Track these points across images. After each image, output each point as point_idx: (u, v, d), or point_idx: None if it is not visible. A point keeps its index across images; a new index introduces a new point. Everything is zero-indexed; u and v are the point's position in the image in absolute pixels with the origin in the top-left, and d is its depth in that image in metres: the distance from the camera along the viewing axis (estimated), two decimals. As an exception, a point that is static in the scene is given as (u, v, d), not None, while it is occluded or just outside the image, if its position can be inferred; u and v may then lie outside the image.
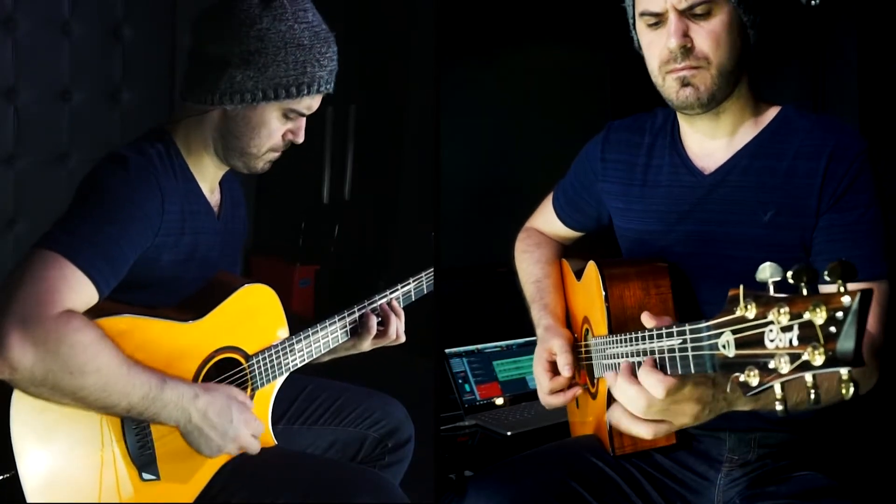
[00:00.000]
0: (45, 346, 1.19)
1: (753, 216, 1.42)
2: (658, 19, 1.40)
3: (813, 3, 2.56)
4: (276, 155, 1.55)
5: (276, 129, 1.51)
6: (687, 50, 1.38)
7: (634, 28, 1.48)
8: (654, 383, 1.16)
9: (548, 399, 1.60)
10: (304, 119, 1.53)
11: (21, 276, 1.24)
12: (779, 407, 0.93)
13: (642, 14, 1.42)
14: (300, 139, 1.54)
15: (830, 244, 1.38)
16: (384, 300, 1.71)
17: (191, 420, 1.34)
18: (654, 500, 1.48)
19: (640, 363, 1.22)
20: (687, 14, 1.37)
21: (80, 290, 1.27)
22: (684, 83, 1.40)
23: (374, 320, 1.68)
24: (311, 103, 1.52)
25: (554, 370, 1.58)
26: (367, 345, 1.70)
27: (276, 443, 1.57)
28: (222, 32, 1.45)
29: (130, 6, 2.94)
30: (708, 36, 1.38)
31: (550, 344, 1.59)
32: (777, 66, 2.84)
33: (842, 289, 0.85)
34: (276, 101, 1.47)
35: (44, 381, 1.20)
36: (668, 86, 1.42)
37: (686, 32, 1.37)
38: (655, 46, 1.42)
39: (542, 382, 1.59)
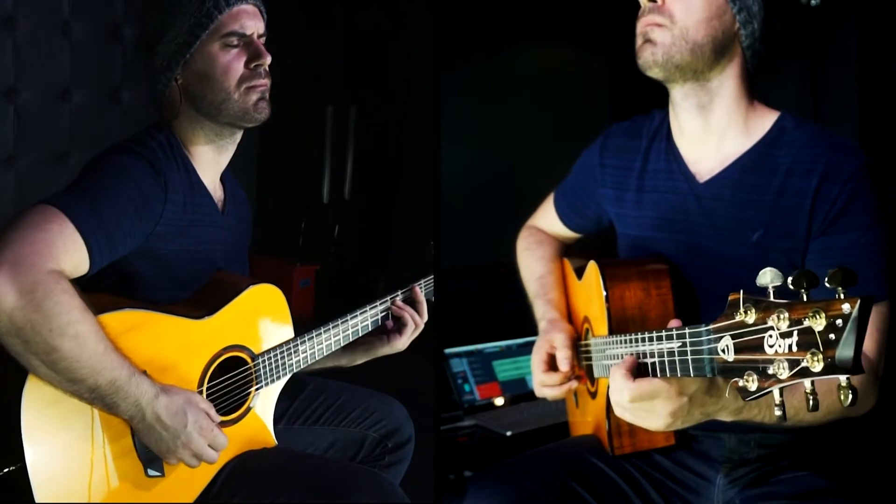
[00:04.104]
0: (31, 294, 1.17)
1: (742, 235, 1.41)
2: None
3: (813, 3, 2.56)
4: (259, 90, 1.50)
5: (227, 63, 1.48)
6: (657, 7, 1.39)
7: None
8: (621, 388, 1.18)
9: (541, 390, 1.62)
10: (254, 39, 1.50)
11: (19, 223, 1.23)
12: (777, 412, 0.93)
13: None
14: (265, 59, 1.50)
15: (821, 269, 1.34)
16: (386, 303, 1.71)
17: (144, 418, 1.32)
18: (653, 500, 1.48)
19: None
20: None
21: (74, 252, 1.25)
22: (645, 39, 1.41)
23: (406, 315, 1.69)
24: (243, 22, 1.49)
25: (551, 364, 1.59)
26: (404, 341, 1.71)
27: (276, 443, 1.57)
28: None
29: (130, 6, 2.94)
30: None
31: (552, 337, 1.59)
32: (776, 66, 2.84)
33: (841, 296, 0.84)
34: (198, 41, 1.47)
35: (20, 330, 1.17)
36: (637, 45, 1.43)
37: None
38: (640, 7, 1.43)
39: (537, 374, 1.61)
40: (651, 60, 1.40)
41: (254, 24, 1.51)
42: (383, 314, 1.70)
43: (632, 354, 1.21)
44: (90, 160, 1.42)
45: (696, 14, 1.38)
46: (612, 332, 1.44)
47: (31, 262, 1.19)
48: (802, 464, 1.44)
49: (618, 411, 1.23)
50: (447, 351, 2.36)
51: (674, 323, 1.19)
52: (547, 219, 1.84)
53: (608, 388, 1.36)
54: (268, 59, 1.50)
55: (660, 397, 1.16)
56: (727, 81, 1.43)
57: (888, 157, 2.58)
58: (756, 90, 1.47)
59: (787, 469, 1.45)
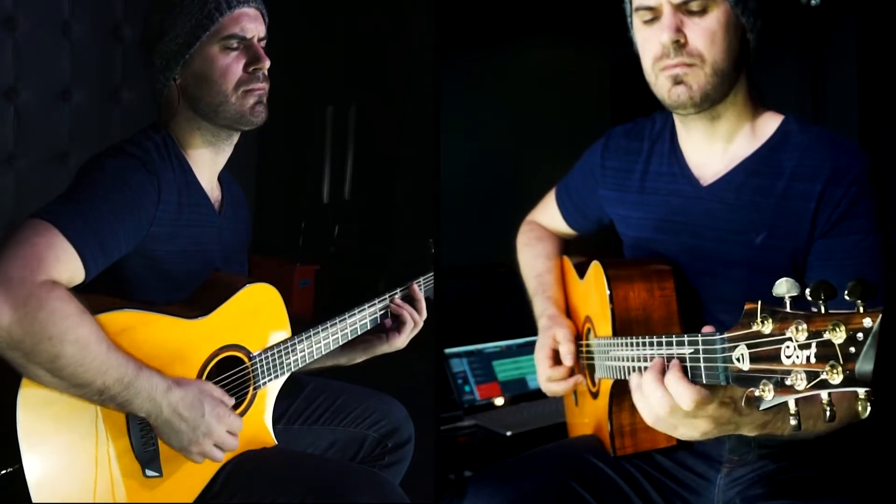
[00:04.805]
0: (25, 308, 1.17)
1: (745, 237, 1.41)
2: (653, 14, 1.37)
3: (813, 3, 2.56)
4: (257, 94, 1.51)
5: (227, 65, 1.49)
6: (680, 46, 1.35)
7: (632, 26, 1.46)
8: (683, 392, 1.11)
9: (547, 386, 1.61)
10: (254, 43, 1.51)
11: (9, 240, 1.23)
12: (792, 422, 0.93)
13: (637, 9, 1.40)
14: (264, 63, 1.50)
15: (822, 270, 1.35)
16: (384, 301, 1.71)
17: (161, 413, 1.32)
18: (653, 500, 1.48)
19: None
20: (682, 9, 1.35)
21: (66, 261, 1.26)
22: (676, 81, 1.37)
23: (405, 313, 1.69)
24: (244, 25, 1.49)
25: (555, 359, 1.59)
26: (403, 339, 1.71)
27: (276, 443, 1.57)
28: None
29: (130, 6, 2.94)
30: (703, 33, 1.35)
31: (554, 332, 1.60)
32: (776, 66, 2.84)
33: (861, 309, 0.84)
34: (199, 42, 1.47)
35: (20, 344, 1.18)
36: (661, 84, 1.40)
37: (680, 28, 1.35)
38: (650, 43, 1.40)
39: (542, 370, 1.61)
40: (689, 103, 1.38)
41: (255, 28, 1.51)
42: (382, 312, 1.70)
43: (675, 358, 1.15)
44: (84, 163, 1.42)
45: (719, 44, 1.36)
46: (615, 332, 1.44)
47: (21, 276, 1.19)
48: (803, 464, 1.44)
49: (661, 422, 1.16)
50: (447, 351, 2.36)
51: (707, 328, 1.14)
52: (548, 214, 1.84)
53: (603, 391, 1.36)
54: (266, 64, 1.50)
55: (715, 402, 1.12)
56: (739, 90, 1.42)
57: (888, 157, 2.58)
58: (763, 95, 1.47)
59: (788, 469, 1.44)
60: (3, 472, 1.23)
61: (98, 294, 1.36)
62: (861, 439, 1.49)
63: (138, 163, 1.41)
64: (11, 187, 2.77)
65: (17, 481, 1.23)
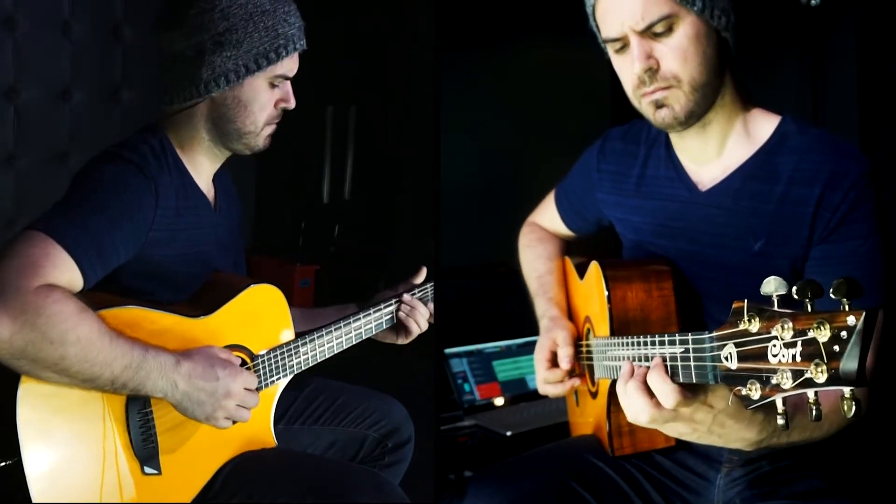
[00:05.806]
0: (24, 316, 1.18)
1: (744, 243, 1.40)
2: (622, 43, 1.35)
3: (813, 3, 2.57)
4: (272, 128, 1.56)
5: (267, 101, 1.52)
6: (654, 72, 1.33)
7: (606, 52, 1.44)
8: (666, 392, 1.11)
9: (544, 388, 1.62)
10: (289, 83, 1.55)
11: (5, 253, 1.24)
12: (780, 421, 0.93)
13: (605, 41, 1.39)
14: (292, 103, 1.55)
15: (821, 275, 1.33)
16: (391, 306, 1.71)
17: (177, 387, 1.32)
18: (653, 500, 1.48)
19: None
20: (648, 34, 1.32)
21: (63, 269, 1.26)
22: (658, 105, 1.36)
23: (412, 323, 1.70)
24: (292, 65, 1.54)
25: (554, 361, 1.59)
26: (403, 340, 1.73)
27: (276, 443, 1.57)
28: (188, 24, 1.47)
29: (130, 6, 2.94)
30: (673, 53, 1.32)
31: (555, 334, 1.60)
32: (776, 66, 2.84)
33: (846, 307, 0.84)
34: (259, 71, 1.48)
35: (24, 352, 1.19)
36: (644, 109, 1.39)
37: (650, 54, 1.32)
38: (625, 71, 1.38)
39: (540, 372, 1.61)
40: (673, 121, 1.37)
41: (295, 69, 1.54)
42: (387, 317, 1.71)
43: (661, 357, 1.15)
44: (80, 169, 1.42)
45: (693, 60, 1.33)
46: (613, 333, 1.44)
47: (17, 286, 1.20)
48: (802, 464, 1.44)
49: (657, 422, 1.15)
50: (447, 351, 2.36)
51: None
52: (548, 216, 1.84)
53: (602, 391, 1.36)
54: (293, 105, 1.55)
55: (694, 405, 1.12)
56: (726, 93, 1.41)
57: (888, 157, 2.58)
58: (750, 91, 1.46)
59: (788, 469, 1.44)
60: (1, 465, 1.23)
61: (99, 293, 1.36)
62: (860, 439, 1.49)
63: (135, 168, 1.41)
64: (11, 187, 2.77)
65: (15, 475, 1.23)
